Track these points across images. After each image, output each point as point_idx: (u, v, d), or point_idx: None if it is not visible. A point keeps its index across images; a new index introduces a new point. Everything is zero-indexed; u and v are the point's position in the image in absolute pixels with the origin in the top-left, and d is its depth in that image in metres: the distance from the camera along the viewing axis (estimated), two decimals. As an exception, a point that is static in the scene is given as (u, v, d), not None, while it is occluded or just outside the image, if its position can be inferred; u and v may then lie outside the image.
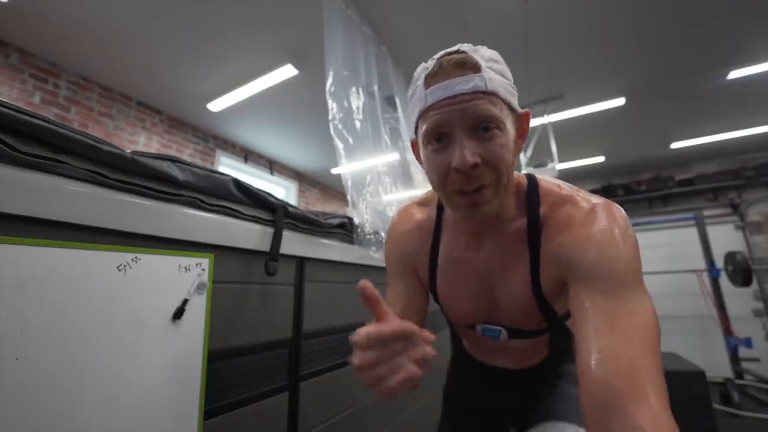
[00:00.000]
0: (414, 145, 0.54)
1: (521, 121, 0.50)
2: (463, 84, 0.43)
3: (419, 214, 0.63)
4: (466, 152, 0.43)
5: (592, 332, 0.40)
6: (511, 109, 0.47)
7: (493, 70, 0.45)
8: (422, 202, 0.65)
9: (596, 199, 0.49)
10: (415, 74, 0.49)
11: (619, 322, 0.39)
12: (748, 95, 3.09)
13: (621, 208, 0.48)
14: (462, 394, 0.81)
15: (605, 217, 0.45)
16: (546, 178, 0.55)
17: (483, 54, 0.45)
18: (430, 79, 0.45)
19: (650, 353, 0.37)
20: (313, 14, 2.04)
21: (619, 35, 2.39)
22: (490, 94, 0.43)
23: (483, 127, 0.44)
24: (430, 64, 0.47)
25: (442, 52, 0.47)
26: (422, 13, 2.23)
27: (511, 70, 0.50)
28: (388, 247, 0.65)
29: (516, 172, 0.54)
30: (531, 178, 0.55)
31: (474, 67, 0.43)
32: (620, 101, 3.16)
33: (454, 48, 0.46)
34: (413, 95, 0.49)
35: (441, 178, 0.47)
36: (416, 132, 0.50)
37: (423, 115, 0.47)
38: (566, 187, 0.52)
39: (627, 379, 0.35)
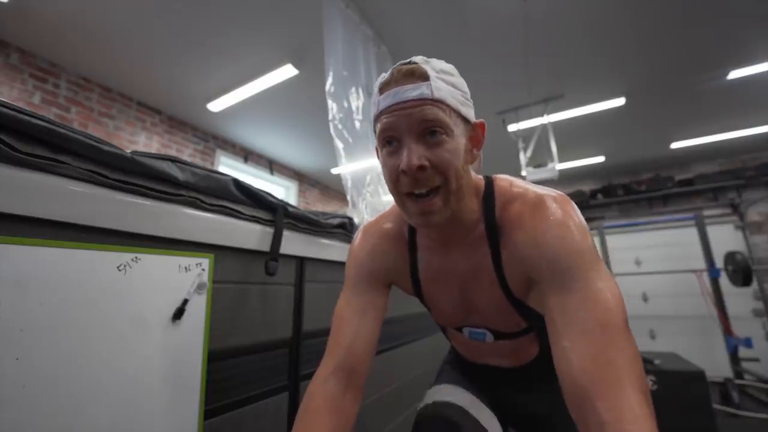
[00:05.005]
0: (377, 150, 0.55)
1: (476, 130, 0.52)
2: (410, 91, 0.45)
3: (388, 229, 0.63)
4: (413, 155, 0.45)
5: (557, 332, 0.41)
6: (463, 118, 0.49)
7: (444, 80, 0.47)
8: (388, 217, 0.64)
9: (545, 192, 0.49)
10: (375, 83, 0.51)
11: (577, 318, 0.40)
12: (748, 95, 3.09)
13: (569, 199, 0.49)
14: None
15: (552, 209, 0.46)
16: (502, 177, 0.56)
17: (434, 66, 0.48)
18: (383, 87, 0.48)
19: (613, 343, 0.37)
20: (313, 14, 2.04)
21: (619, 35, 2.39)
22: (437, 102, 0.45)
23: (430, 132, 0.45)
24: (387, 73, 0.49)
25: (398, 63, 0.49)
26: (422, 13, 2.23)
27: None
28: (356, 259, 0.62)
29: (477, 176, 0.55)
30: (488, 180, 0.55)
31: (422, 77, 0.46)
32: (620, 101, 3.16)
33: (407, 60, 0.49)
34: (372, 103, 0.51)
35: (392, 180, 0.49)
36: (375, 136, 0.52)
37: (376, 120, 0.49)
38: (519, 184, 0.53)
39: (593, 377, 0.36)
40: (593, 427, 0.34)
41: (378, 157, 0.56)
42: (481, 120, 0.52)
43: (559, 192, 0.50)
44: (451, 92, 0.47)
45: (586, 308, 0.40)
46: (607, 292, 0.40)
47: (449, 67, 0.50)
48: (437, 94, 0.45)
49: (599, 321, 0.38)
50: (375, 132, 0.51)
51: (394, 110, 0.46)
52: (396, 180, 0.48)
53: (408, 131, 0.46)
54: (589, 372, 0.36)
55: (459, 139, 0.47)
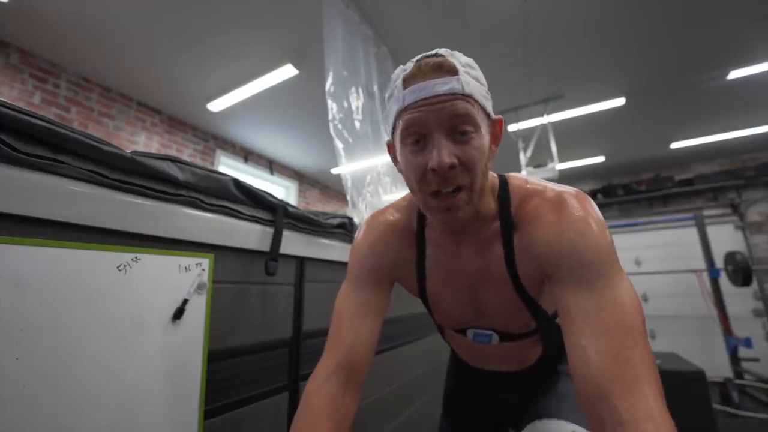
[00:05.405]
0: (390, 146, 0.54)
1: (495, 126, 0.51)
2: (441, 85, 0.43)
3: (395, 221, 0.60)
4: (444, 153, 0.43)
5: (575, 329, 0.41)
6: (486, 114, 0.48)
7: (470, 75, 0.45)
8: (396, 208, 0.62)
9: (564, 189, 0.49)
10: (393, 76, 0.49)
11: (598, 317, 0.39)
12: (748, 95, 3.09)
13: (588, 196, 0.48)
14: (461, 394, 0.81)
15: (573, 205, 0.46)
16: (516, 175, 0.55)
17: (460, 59, 0.46)
18: (409, 80, 0.45)
19: (632, 343, 0.37)
20: (313, 14, 2.04)
21: (619, 35, 2.39)
22: (467, 97, 0.44)
23: (460, 130, 0.44)
24: (409, 66, 0.47)
25: (420, 55, 0.47)
26: (422, 13, 2.23)
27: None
28: (359, 252, 0.60)
29: (491, 173, 0.54)
30: (502, 178, 0.55)
31: (451, 70, 0.44)
32: (620, 101, 3.16)
33: (432, 52, 0.47)
34: (391, 96, 0.49)
35: (418, 178, 0.46)
36: (393, 133, 0.51)
37: (400, 115, 0.46)
38: (535, 182, 0.52)
39: (611, 375, 0.36)
40: (610, 426, 0.34)
41: (391, 154, 0.55)
42: (500, 116, 0.51)
43: (577, 189, 0.49)
44: (477, 87, 0.45)
45: (608, 308, 0.39)
46: (627, 292, 0.40)
47: (471, 61, 0.48)
48: (467, 89, 0.43)
49: (620, 322, 0.38)
50: (393, 128, 0.49)
51: (422, 105, 0.44)
52: (422, 179, 0.46)
53: (438, 127, 0.44)
54: (607, 371, 0.36)
55: (485, 135, 0.46)
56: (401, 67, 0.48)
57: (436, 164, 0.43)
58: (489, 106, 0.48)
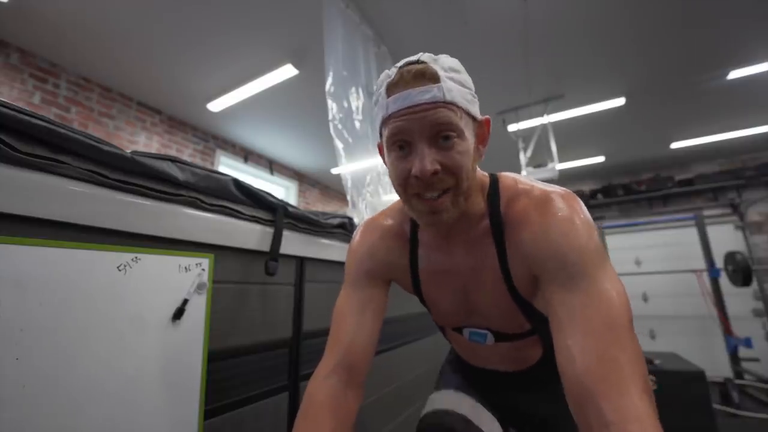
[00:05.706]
0: (380, 148, 0.55)
1: (482, 127, 0.51)
2: (422, 94, 0.44)
3: (389, 225, 0.62)
4: (426, 161, 0.44)
5: (561, 329, 0.41)
6: (471, 116, 0.48)
7: (453, 80, 0.46)
8: (390, 212, 0.64)
9: (551, 188, 0.49)
10: (379, 81, 0.50)
11: (583, 317, 0.39)
12: (748, 95, 3.09)
13: (576, 196, 0.48)
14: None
15: (558, 206, 0.46)
16: (508, 174, 0.55)
17: (443, 64, 0.46)
18: (392, 88, 0.46)
19: (618, 342, 0.37)
20: (313, 14, 2.04)
21: (619, 35, 2.39)
22: (449, 104, 0.44)
23: (443, 136, 0.45)
24: (393, 71, 0.47)
25: (403, 61, 0.47)
26: (422, 13, 2.23)
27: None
28: (356, 255, 0.61)
29: (481, 172, 0.55)
30: (493, 178, 0.55)
31: (433, 78, 0.44)
32: (620, 101, 3.16)
33: (415, 57, 0.47)
34: (377, 102, 0.50)
35: (401, 183, 0.48)
36: (381, 137, 0.51)
37: (385, 122, 0.48)
38: (525, 181, 0.53)
39: (597, 376, 0.36)
40: (596, 427, 0.34)
41: (381, 156, 0.55)
42: (487, 116, 0.52)
43: (566, 189, 0.49)
44: (461, 92, 0.46)
45: (592, 307, 0.39)
46: (613, 291, 0.40)
47: (455, 63, 0.48)
48: (449, 97, 0.44)
49: (605, 320, 0.38)
50: (380, 133, 0.50)
51: (404, 114, 0.45)
52: (405, 183, 0.47)
53: (420, 135, 0.45)
54: (593, 371, 0.36)
55: (469, 138, 0.47)
56: (386, 72, 0.49)
57: (419, 172, 0.44)
58: (474, 108, 0.48)
